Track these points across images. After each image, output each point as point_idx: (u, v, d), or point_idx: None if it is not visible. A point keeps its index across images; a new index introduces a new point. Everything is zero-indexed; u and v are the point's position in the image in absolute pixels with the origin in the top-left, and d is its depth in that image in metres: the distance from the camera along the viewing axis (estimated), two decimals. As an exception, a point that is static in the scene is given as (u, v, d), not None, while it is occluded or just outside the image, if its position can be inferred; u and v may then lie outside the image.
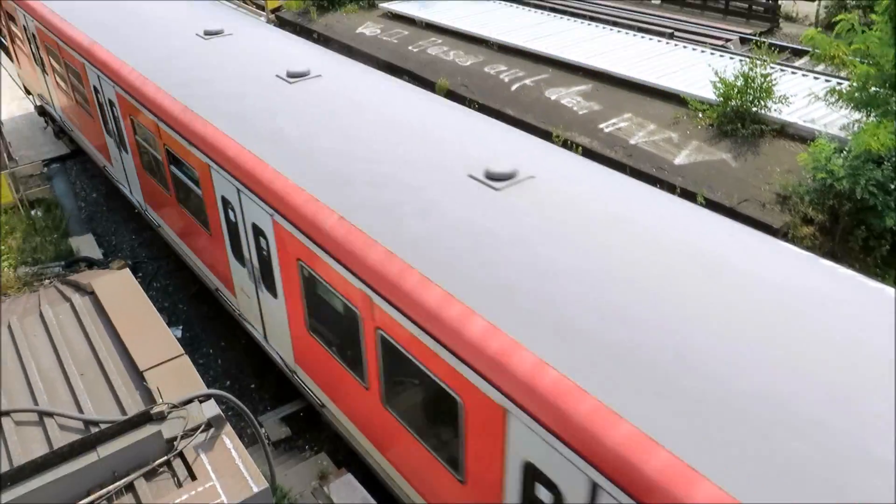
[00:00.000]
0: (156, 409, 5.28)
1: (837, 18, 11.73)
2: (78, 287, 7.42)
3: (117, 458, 5.03)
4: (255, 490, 4.83)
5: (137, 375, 5.86)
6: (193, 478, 4.99)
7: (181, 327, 12.25)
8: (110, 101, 12.26)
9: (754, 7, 22.65)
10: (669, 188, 12.86)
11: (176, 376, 5.78)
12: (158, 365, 5.90)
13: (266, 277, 8.85)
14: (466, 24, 20.88)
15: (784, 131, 13.59)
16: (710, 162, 13.28)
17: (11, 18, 17.46)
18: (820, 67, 16.14)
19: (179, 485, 4.97)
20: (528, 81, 17.31)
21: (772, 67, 13.91)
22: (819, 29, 13.89)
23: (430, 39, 20.77)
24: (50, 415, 5.44)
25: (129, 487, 4.97)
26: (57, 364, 6.06)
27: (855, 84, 11.49)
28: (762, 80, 13.58)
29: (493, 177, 6.95)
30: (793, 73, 15.84)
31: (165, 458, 5.13)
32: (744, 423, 4.27)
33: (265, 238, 8.45)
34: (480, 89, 17.44)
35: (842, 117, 12.71)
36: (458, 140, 8.24)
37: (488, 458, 5.70)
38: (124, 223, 15.31)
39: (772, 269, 5.71)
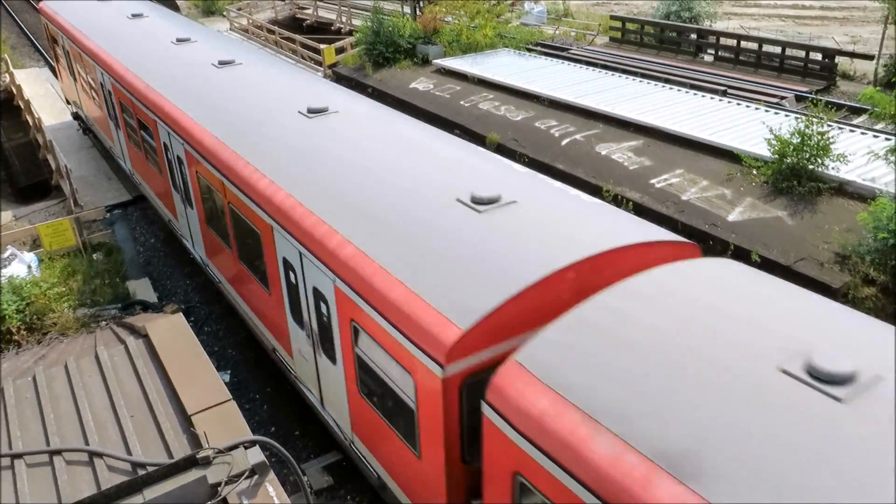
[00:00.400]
0: (202, 454, 5.31)
1: (897, 77, 11.55)
2: (133, 329, 7.60)
3: (162, 501, 5.06)
4: (296, 540, 4.78)
5: (185, 419, 5.92)
6: (235, 524, 4.97)
7: (229, 371, 12.39)
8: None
9: (810, 65, 22.45)
10: (722, 245, 12.63)
11: (223, 421, 5.82)
12: (206, 409, 5.95)
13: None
14: (517, 80, 21.20)
15: (842, 189, 13.28)
16: (765, 219, 13.02)
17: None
18: (880, 126, 15.83)
19: (222, 531, 4.96)
20: (578, 136, 17.39)
21: (829, 125, 13.70)
22: (878, 88, 13.67)
23: (482, 94, 21.13)
24: (100, 455, 5.53)
25: (173, 532, 4.98)
26: (109, 405, 6.18)
27: (917, 143, 11.23)
28: (819, 137, 13.36)
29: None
30: (851, 131, 15.56)
31: (209, 503, 5.13)
32: None
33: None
34: (531, 143, 17.58)
35: (903, 176, 12.39)
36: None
37: None
38: (179, 268, 15.71)
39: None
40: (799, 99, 20.43)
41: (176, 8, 42.76)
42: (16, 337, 11.57)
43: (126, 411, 6.04)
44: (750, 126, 16.24)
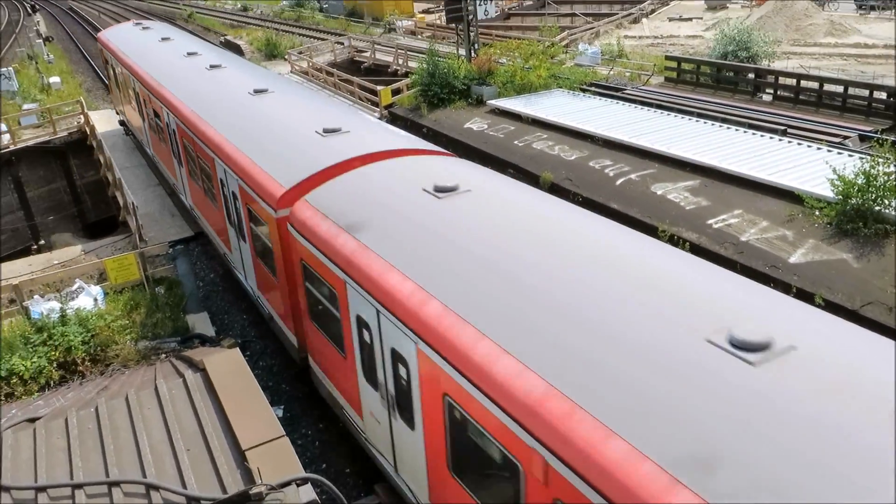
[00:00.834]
0: (255, 490, 5.36)
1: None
2: (191, 363, 7.77)
3: (215, 536, 5.11)
4: (346, 581, 4.75)
5: (240, 454, 5.99)
6: (286, 563, 4.98)
7: (283, 407, 12.51)
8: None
9: (874, 104, 21.86)
10: (784, 287, 12.26)
11: (276, 457, 5.88)
12: (260, 445, 6.03)
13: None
14: (571, 120, 21.24)
15: (911, 232, 12.81)
16: (828, 262, 12.62)
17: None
18: (950, 166, 15.26)
19: (272, 569, 4.97)
20: (633, 176, 17.26)
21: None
22: (948, 127, 13.23)
23: (536, 134, 21.22)
24: (156, 488, 5.63)
25: (224, 567, 5.01)
26: (166, 437, 6.31)
27: None
28: (886, 178, 12.95)
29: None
30: (919, 171, 15.03)
31: (260, 539, 5.16)
32: None
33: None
34: (585, 183, 17.52)
35: (978, 219, 11.88)
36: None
37: None
38: (236, 303, 16.06)
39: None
40: (863, 138, 19.86)
41: (240, 52, 44.50)
42: (80, 367, 11.94)
43: (182, 444, 6.15)
44: (811, 166, 15.86)
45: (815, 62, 32.13)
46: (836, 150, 17.09)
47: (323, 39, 46.20)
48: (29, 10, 76.57)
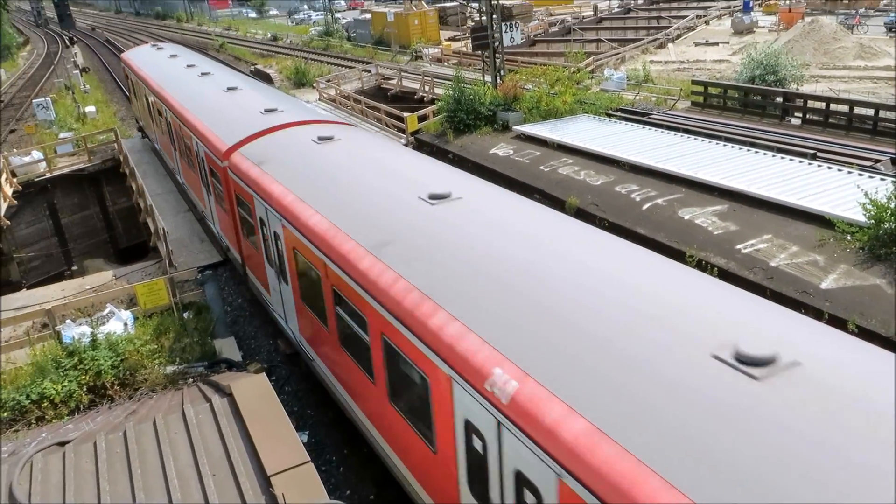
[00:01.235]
0: (279, 516, 5.36)
1: None
2: (218, 388, 7.83)
3: (239, 562, 5.11)
4: None
5: (265, 479, 6.00)
6: (309, 590, 4.95)
7: (307, 432, 12.51)
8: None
9: (906, 127, 21.58)
10: (816, 314, 12.04)
11: (300, 483, 5.88)
12: (285, 470, 6.03)
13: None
14: (597, 145, 21.22)
15: (947, 257, 12.53)
16: (861, 287, 12.38)
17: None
18: None
19: None
20: (660, 201, 17.16)
21: (929, 189, 13.06)
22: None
23: (561, 160, 21.23)
24: (182, 512, 5.65)
25: None
26: (193, 462, 6.34)
27: None
28: (919, 202, 12.74)
29: None
30: (954, 195, 14.73)
31: (284, 566, 5.14)
32: None
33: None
34: (611, 208, 17.45)
35: None
36: None
37: None
38: (263, 328, 16.17)
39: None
40: (895, 162, 19.56)
41: (270, 81, 45.32)
42: (110, 391, 12.09)
43: (208, 469, 6.18)
44: (842, 190, 15.63)
45: (845, 85, 31.80)
46: (867, 174, 16.84)
47: (350, 67, 46.89)
48: (67, 42, 79.03)
